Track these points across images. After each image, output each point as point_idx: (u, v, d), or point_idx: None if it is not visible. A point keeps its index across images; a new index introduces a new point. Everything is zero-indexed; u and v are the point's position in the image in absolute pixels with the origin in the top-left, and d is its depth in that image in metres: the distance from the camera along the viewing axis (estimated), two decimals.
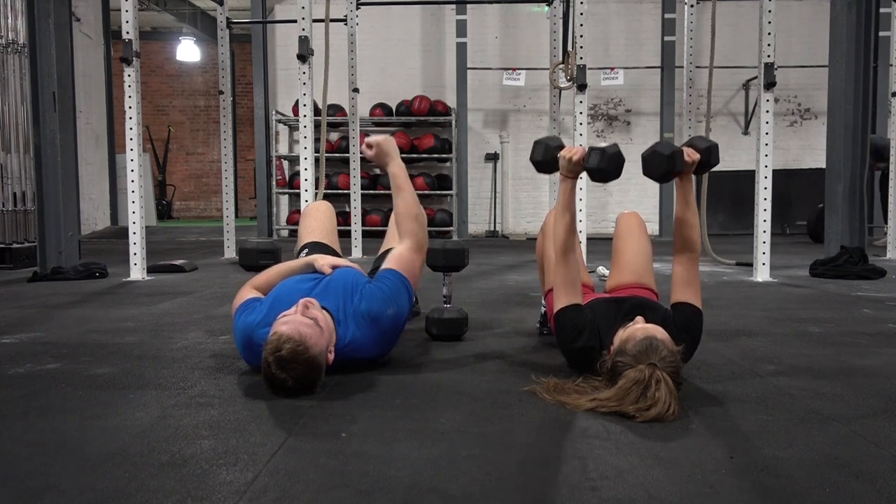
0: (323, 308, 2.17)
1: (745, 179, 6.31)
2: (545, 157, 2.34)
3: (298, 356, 1.92)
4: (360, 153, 2.62)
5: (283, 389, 1.96)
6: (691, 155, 2.23)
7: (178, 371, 2.35)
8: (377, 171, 10.90)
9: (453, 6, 10.53)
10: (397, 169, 2.50)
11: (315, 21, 5.40)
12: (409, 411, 1.89)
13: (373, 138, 2.52)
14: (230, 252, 6.86)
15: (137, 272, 5.06)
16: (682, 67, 7.13)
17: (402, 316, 2.29)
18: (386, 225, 3.20)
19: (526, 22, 10.98)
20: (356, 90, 7.35)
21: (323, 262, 2.44)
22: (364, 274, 2.43)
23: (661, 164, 2.16)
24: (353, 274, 2.37)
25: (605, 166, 2.17)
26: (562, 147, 2.32)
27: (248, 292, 2.42)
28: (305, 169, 5.31)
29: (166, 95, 16.22)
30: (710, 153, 2.26)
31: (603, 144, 2.22)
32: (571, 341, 2.18)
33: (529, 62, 10.38)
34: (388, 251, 2.93)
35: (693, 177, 2.28)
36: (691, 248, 2.27)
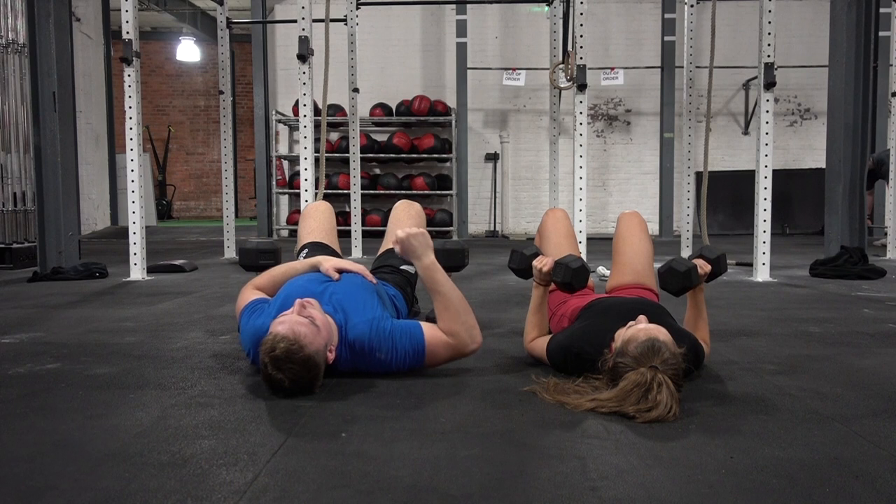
0: (327, 313, 2.15)
1: (745, 179, 6.31)
2: (521, 265, 2.50)
3: (293, 356, 1.91)
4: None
5: (280, 389, 1.96)
6: (703, 267, 2.33)
7: (178, 371, 2.35)
8: (377, 171, 10.92)
9: (453, 6, 10.52)
10: (428, 272, 2.25)
11: (315, 21, 5.41)
12: (409, 411, 1.89)
13: (399, 232, 2.25)
14: (230, 252, 6.86)
15: (137, 272, 5.06)
16: (682, 67, 7.13)
17: (387, 365, 2.17)
18: (386, 225, 3.18)
19: (526, 22, 10.98)
20: (356, 90, 7.35)
21: (329, 264, 2.40)
22: (377, 295, 2.33)
23: (677, 281, 2.29)
24: (365, 292, 2.29)
25: (569, 280, 2.33)
26: (536, 256, 2.46)
27: (250, 294, 2.41)
28: (305, 169, 5.31)
29: (166, 95, 16.22)
30: (719, 263, 2.38)
31: (568, 258, 2.36)
32: (565, 359, 2.21)
33: (529, 62, 10.39)
34: (389, 251, 2.92)
35: (704, 285, 2.38)
36: (704, 342, 2.34)
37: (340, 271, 2.39)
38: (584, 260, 2.41)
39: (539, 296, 2.44)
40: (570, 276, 2.32)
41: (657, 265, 2.63)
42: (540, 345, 2.37)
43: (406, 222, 2.90)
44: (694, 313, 2.38)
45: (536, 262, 2.40)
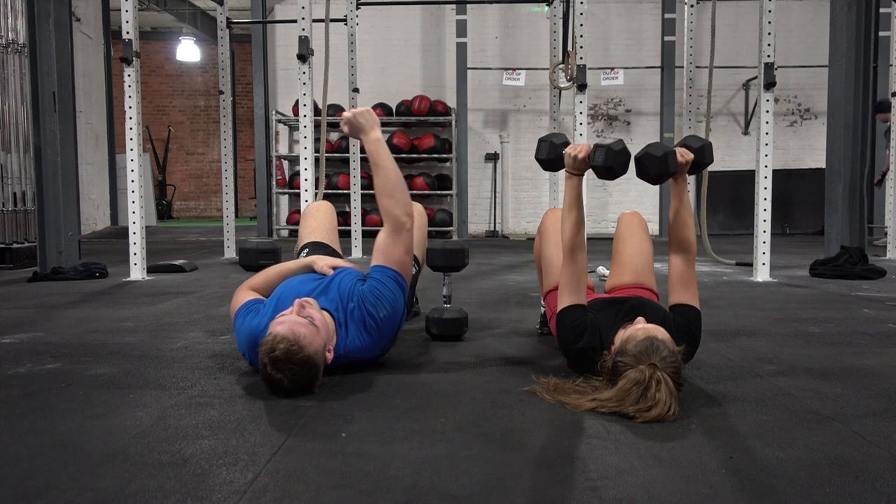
0: (323, 309, 2.16)
1: (745, 179, 6.31)
2: (550, 155, 2.33)
3: (293, 356, 1.92)
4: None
5: (280, 390, 1.96)
6: (684, 155, 2.23)
7: (178, 371, 2.35)
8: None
9: (453, 6, 10.52)
10: (373, 144, 2.37)
11: (315, 21, 5.40)
12: (409, 411, 1.89)
13: (347, 112, 2.41)
14: (230, 252, 6.86)
15: (137, 272, 5.06)
16: (682, 67, 7.13)
17: (396, 314, 2.26)
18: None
19: (526, 22, 10.98)
20: (356, 90, 7.35)
21: (322, 263, 2.42)
22: (359, 274, 2.39)
23: (654, 166, 2.15)
24: (350, 276, 2.34)
25: (612, 164, 2.16)
26: (567, 144, 2.31)
27: (245, 294, 2.42)
28: (305, 169, 5.31)
29: (166, 95, 16.22)
30: (703, 152, 2.25)
31: (608, 141, 2.21)
32: (572, 342, 2.18)
33: (529, 62, 10.38)
34: None
35: (688, 176, 2.28)
36: (688, 248, 2.28)
37: (335, 269, 2.40)
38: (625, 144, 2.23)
39: (575, 186, 2.25)
40: (613, 158, 2.14)
41: (658, 266, 2.63)
42: (573, 278, 2.19)
43: None
44: (676, 204, 2.28)
45: (570, 150, 2.25)
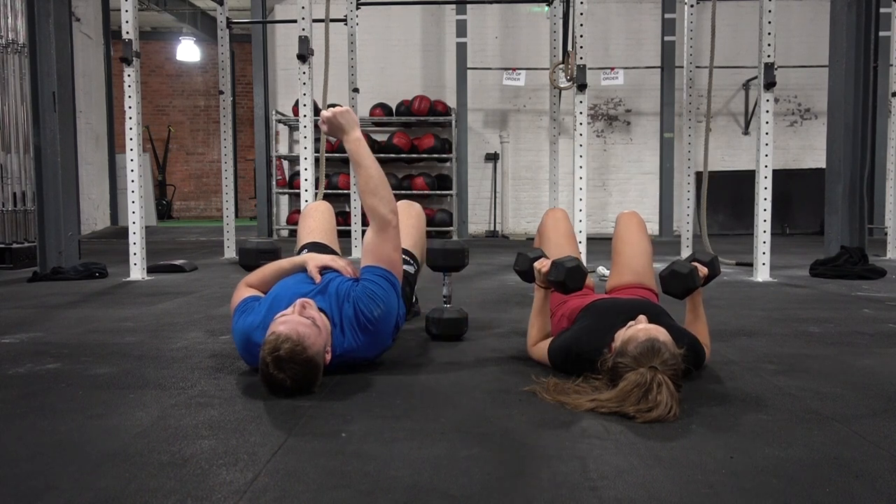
0: (320, 310, 2.17)
1: (745, 179, 6.31)
2: (523, 268, 2.50)
3: (296, 356, 1.92)
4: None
5: (281, 389, 1.96)
6: (701, 270, 2.33)
7: (178, 371, 2.35)
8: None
9: (453, 6, 10.52)
10: (353, 144, 2.36)
11: (315, 21, 5.41)
12: (409, 411, 1.89)
13: (326, 112, 2.38)
14: (230, 252, 6.86)
15: (137, 272, 5.06)
16: (682, 67, 7.13)
17: (391, 313, 2.26)
18: None
19: (526, 22, 10.98)
20: (356, 90, 7.35)
21: (313, 264, 2.41)
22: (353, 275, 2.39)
23: (682, 283, 2.28)
24: (343, 278, 2.34)
25: (563, 279, 2.32)
26: (539, 258, 2.46)
27: (244, 291, 2.43)
28: (305, 169, 5.31)
29: (166, 95, 16.22)
30: (713, 266, 2.38)
31: (565, 258, 2.37)
32: (562, 363, 2.22)
33: (529, 62, 10.38)
34: None
35: (701, 288, 2.38)
36: (703, 345, 2.34)
37: (325, 269, 2.40)
38: (581, 261, 2.41)
39: (541, 298, 2.44)
40: (564, 274, 2.32)
41: (657, 266, 2.63)
42: (542, 349, 2.37)
43: (406, 223, 2.89)
44: (693, 317, 2.37)
45: (537, 265, 2.42)
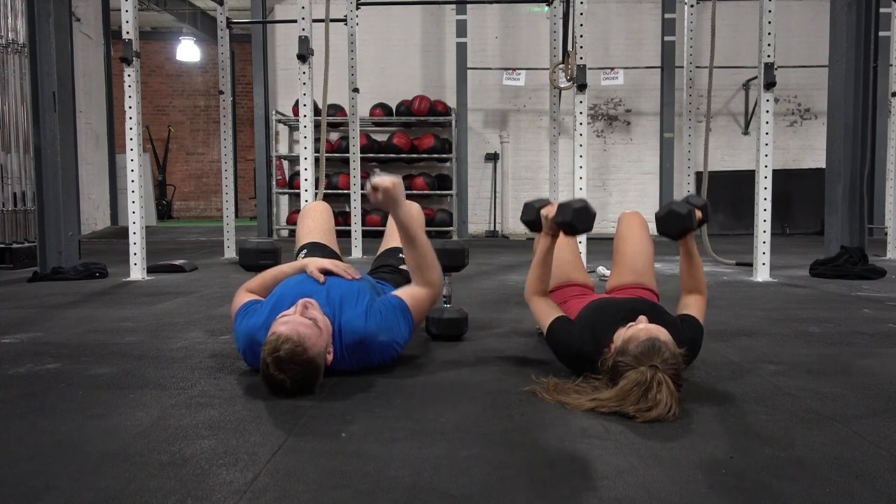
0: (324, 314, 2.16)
1: (745, 179, 6.31)
2: (530, 217, 2.48)
3: (297, 357, 1.92)
4: (365, 193, 2.43)
5: (281, 390, 1.96)
6: (696, 213, 2.33)
7: (178, 371, 2.35)
8: (377, 171, 10.88)
9: (453, 6, 10.52)
10: (407, 220, 2.31)
11: (315, 21, 5.40)
12: (409, 411, 1.89)
13: (379, 181, 2.24)
14: (230, 252, 6.86)
15: (137, 272, 5.06)
16: (682, 67, 7.13)
17: (392, 346, 2.26)
18: (385, 225, 3.19)
19: (526, 22, 10.98)
20: (356, 90, 7.35)
21: (314, 266, 2.41)
22: (368, 286, 2.38)
23: (680, 223, 2.27)
24: (356, 286, 2.33)
25: (570, 220, 2.28)
26: (545, 205, 2.43)
27: (244, 296, 2.42)
28: (305, 169, 5.31)
29: (166, 95, 16.22)
30: (706, 209, 2.40)
31: (572, 199, 2.35)
32: (564, 353, 2.22)
33: (529, 62, 10.38)
34: (388, 251, 2.93)
35: (693, 233, 2.38)
36: (700, 292, 2.36)
37: (325, 272, 2.39)
38: (588, 202, 2.36)
39: (545, 246, 2.40)
40: (571, 215, 2.27)
41: (658, 266, 2.63)
42: (543, 310, 2.34)
43: None
44: (688, 262, 2.38)
45: (544, 211, 2.39)
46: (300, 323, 1.98)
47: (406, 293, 2.35)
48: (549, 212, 2.37)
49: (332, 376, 2.17)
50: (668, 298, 2.64)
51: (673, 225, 2.28)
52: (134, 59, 5.01)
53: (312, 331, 1.98)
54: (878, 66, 7.63)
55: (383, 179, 2.26)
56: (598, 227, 10.80)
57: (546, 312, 2.33)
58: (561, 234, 2.77)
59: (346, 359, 2.20)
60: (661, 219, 2.31)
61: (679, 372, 1.86)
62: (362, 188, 7.36)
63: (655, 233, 2.46)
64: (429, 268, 2.37)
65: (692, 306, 2.33)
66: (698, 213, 2.33)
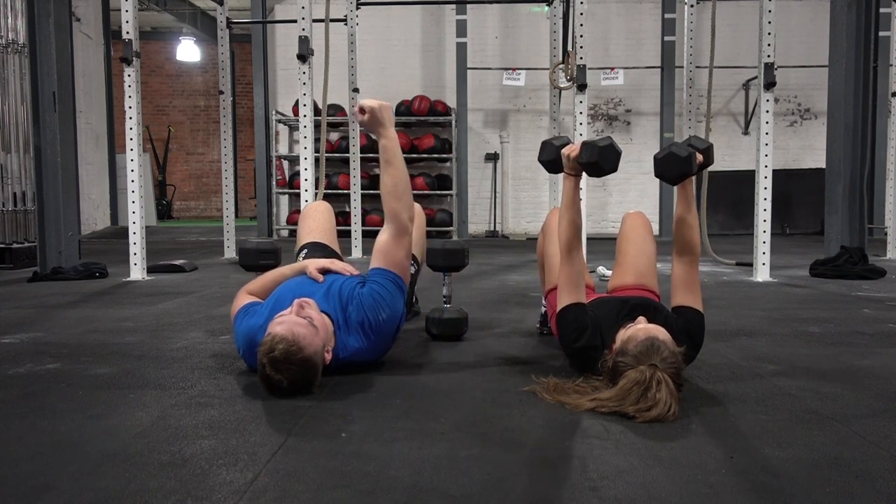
0: (323, 312, 2.17)
1: (745, 179, 6.31)
2: (550, 156, 2.37)
3: (292, 357, 1.92)
4: (354, 117, 2.44)
5: (278, 390, 1.96)
6: (697, 156, 2.25)
7: (178, 371, 2.35)
8: (377, 171, 10.89)
9: (453, 6, 10.52)
10: (388, 141, 2.35)
11: (315, 21, 5.40)
12: (409, 411, 1.89)
13: (367, 102, 2.33)
14: (230, 252, 6.86)
15: (137, 272, 5.06)
16: (682, 67, 7.13)
17: (395, 316, 2.27)
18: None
19: (526, 22, 10.98)
20: (356, 90, 7.34)
21: (313, 267, 2.42)
22: (358, 277, 2.38)
23: (679, 167, 2.18)
24: (349, 280, 2.34)
25: (596, 159, 2.17)
26: (566, 145, 2.33)
27: (244, 298, 2.43)
28: (305, 169, 5.31)
29: (166, 95, 16.22)
30: (708, 153, 2.30)
31: (597, 138, 2.24)
32: (573, 341, 2.18)
33: (529, 62, 10.38)
34: None
35: (692, 177, 2.30)
36: (692, 250, 2.29)
37: (325, 272, 2.40)
38: (614, 140, 2.25)
39: (570, 188, 2.30)
40: (598, 154, 2.15)
41: (658, 267, 2.63)
42: (570, 279, 2.21)
43: None
44: (685, 205, 2.31)
45: (565, 150, 2.30)
46: (295, 323, 1.98)
47: (379, 256, 2.31)
48: (571, 151, 2.26)
49: (334, 375, 2.18)
50: (668, 299, 2.64)
51: (671, 168, 2.17)
52: (134, 59, 5.01)
53: (308, 330, 1.98)
54: (878, 66, 7.63)
55: (371, 101, 2.33)
56: (599, 227, 10.73)
57: (572, 284, 2.21)
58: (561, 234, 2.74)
59: (358, 349, 2.21)
60: (659, 161, 2.21)
61: (679, 371, 1.86)
62: (363, 189, 7.36)
63: (656, 232, 2.44)
64: (398, 197, 2.32)
65: (685, 288, 2.24)
66: (699, 157, 2.24)
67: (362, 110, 2.33)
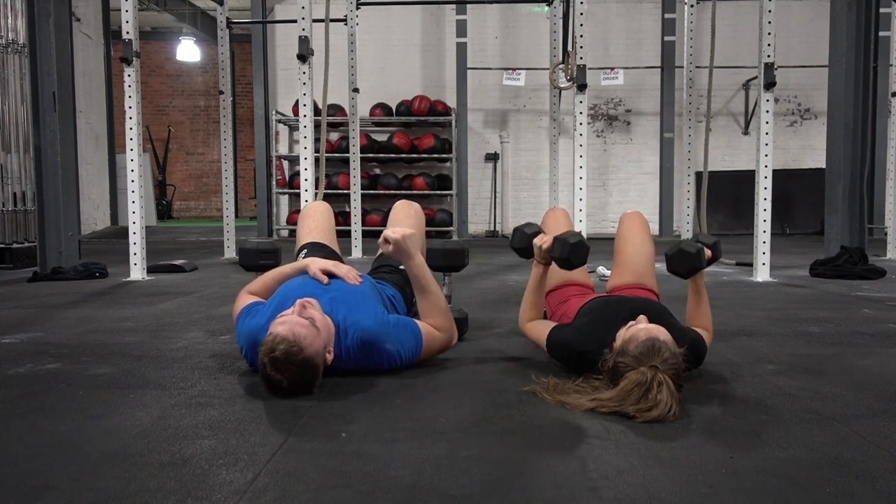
0: (326, 314, 2.16)
1: (745, 179, 6.31)
2: (521, 245, 2.48)
3: (292, 357, 1.92)
4: (379, 247, 2.44)
5: (279, 390, 1.96)
6: (705, 251, 2.32)
7: (178, 371, 2.35)
8: (377, 171, 10.91)
9: (453, 6, 10.52)
10: (417, 269, 2.36)
11: (315, 21, 5.41)
12: (409, 411, 1.89)
13: (390, 233, 2.31)
14: (230, 252, 6.86)
15: (137, 272, 5.06)
16: (682, 67, 7.14)
17: (395, 355, 2.23)
18: (385, 225, 3.18)
19: (526, 22, 10.98)
20: (356, 90, 7.35)
21: (315, 267, 2.41)
22: (371, 288, 2.38)
23: (689, 263, 2.27)
24: (360, 289, 2.33)
25: (567, 255, 2.29)
26: (537, 234, 2.44)
27: (246, 298, 2.42)
28: (305, 169, 5.31)
29: (166, 95, 16.22)
30: (716, 248, 2.40)
31: (567, 233, 2.34)
32: (567, 357, 2.23)
33: (529, 62, 10.38)
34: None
35: (704, 271, 2.38)
36: (706, 329, 2.36)
37: (328, 274, 2.39)
38: (583, 236, 2.37)
39: (538, 275, 2.43)
40: (568, 251, 2.29)
41: (656, 265, 2.63)
42: (538, 330, 2.37)
43: (405, 222, 2.89)
44: (696, 298, 2.37)
45: (537, 241, 2.39)
46: (297, 323, 1.97)
47: (425, 324, 2.35)
48: (542, 242, 2.37)
49: (333, 376, 2.17)
50: (668, 298, 2.65)
51: (682, 264, 2.28)
52: (134, 59, 5.02)
53: (309, 331, 1.98)
54: (878, 66, 7.63)
55: (394, 231, 2.33)
56: (598, 227, 10.78)
57: (541, 330, 2.36)
58: (561, 217, 2.78)
59: (347, 359, 2.19)
60: (670, 258, 2.31)
61: (679, 372, 1.86)
62: (363, 189, 7.37)
63: (655, 232, 2.46)
64: (441, 314, 2.37)
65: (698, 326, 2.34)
66: (708, 252, 2.33)
67: (386, 240, 2.33)
